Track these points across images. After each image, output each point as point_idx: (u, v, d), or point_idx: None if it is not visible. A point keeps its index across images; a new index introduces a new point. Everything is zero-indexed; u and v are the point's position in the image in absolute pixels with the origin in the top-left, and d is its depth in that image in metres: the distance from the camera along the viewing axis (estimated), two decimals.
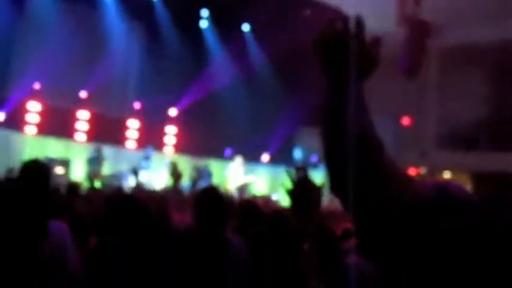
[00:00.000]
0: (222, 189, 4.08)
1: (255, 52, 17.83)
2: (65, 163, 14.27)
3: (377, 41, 1.31)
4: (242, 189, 15.27)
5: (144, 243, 3.20)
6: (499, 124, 15.65)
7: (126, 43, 16.11)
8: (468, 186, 13.39)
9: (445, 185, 1.21)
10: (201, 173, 15.34)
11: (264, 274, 3.12)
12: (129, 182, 12.24)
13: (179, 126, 17.39)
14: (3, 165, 11.49)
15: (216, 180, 15.24)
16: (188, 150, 16.95)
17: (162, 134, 17.31)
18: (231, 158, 16.53)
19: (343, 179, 1.20)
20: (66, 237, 3.30)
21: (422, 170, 16.71)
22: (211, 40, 17.51)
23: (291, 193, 2.36)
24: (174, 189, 5.51)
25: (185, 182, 14.09)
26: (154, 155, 15.42)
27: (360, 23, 1.26)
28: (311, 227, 2.32)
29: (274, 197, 14.57)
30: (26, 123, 14.50)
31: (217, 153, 17.37)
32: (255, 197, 13.75)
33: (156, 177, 14.46)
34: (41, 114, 14.64)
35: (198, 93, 16.76)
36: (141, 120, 16.60)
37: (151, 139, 16.09)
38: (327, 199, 3.16)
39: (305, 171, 2.39)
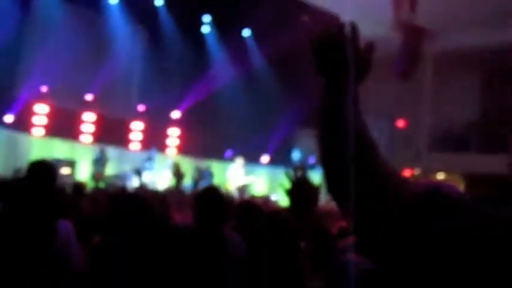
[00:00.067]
0: (222, 189, 4.07)
1: (255, 56, 17.85)
2: (71, 164, 14.26)
3: (371, 46, 1.31)
4: (242, 189, 15.27)
5: (145, 241, 3.19)
6: (491, 126, 15.64)
7: (130, 47, 16.11)
8: (461, 187, 13.39)
9: (439, 185, 1.20)
10: (203, 174, 15.34)
11: (262, 272, 3.11)
12: (133, 182, 12.24)
13: (182, 128, 17.39)
14: (11, 165, 11.50)
15: (217, 180, 15.23)
16: (190, 152, 16.95)
17: (165, 135, 17.31)
18: (231, 159, 16.53)
19: (340, 180, 1.19)
20: (72, 236, 3.30)
21: (417, 171, 16.71)
22: (213, 44, 17.53)
23: (290, 193, 2.36)
24: (176, 190, 5.52)
25: (187, 182, 14.10)
26: (158, 156, 15.42)
27: (354, 28, 1.26)
28: (308, 226, 2.31)
29: (273, 197, 14.57)
30: (33, 125, 14.50)
31: (218, 154, 17.37)
32: (254, 197, 13.76)
33: (159, 177, 14.47)
34: (48, 116, 14.64)
35: (199, 95, 16.77)
36: (144, 122, 16.60)
37: (154, 141, 16.09)
38: (324, 199, 3.16)
39: (303, 172, 2.39)
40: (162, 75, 15.78)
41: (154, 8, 16.16)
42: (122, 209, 3.35)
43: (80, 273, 3.22)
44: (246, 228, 3.79)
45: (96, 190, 8.39)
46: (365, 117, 1.28)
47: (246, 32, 17.72)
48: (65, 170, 13.52)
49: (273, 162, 17.96)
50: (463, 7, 14.01)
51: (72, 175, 13.71)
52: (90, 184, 11.81)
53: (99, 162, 14.17)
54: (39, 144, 14.43)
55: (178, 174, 12.29)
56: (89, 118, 15.52)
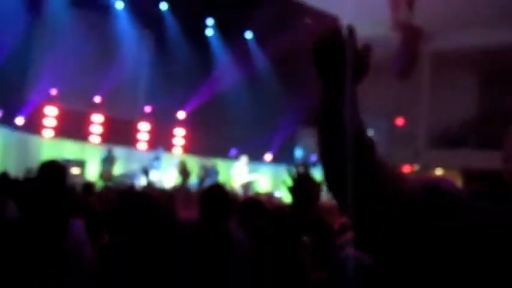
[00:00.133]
0: (227, 186, 4.06)
1: (258, 57, 17.84)
2: (81, 164, 14.27)
3: (368, 48, 1.31)
4: (246, 186, 15.25)
5: (152, 238, 3.19)
6: (487, 124, 15.60)
7: (137, 50, 16.11)
8: (458, 182, 13.37)
9: (437, 181, 1.19)
10: (208, 172, 15.33)
11: (266, 267, 3.11)
12: (141, 181, 12.25)
13: (187, 128, 17.40)
14: (22, 166, 11.52)
15: (222, 178, 15.22)
16: (196, 151, 16.95)
17: (171, 135, 17.32)
18: (236, 158, 16.52)
19: (339, 179, 1.19)
20: (83, 235, 3.30)
21: (416, 168, 16.69)
22: (217, 47, 17.52)
23: (292, 190, 2.36)
24: (183, 187, 5.51)
25: (193, 180, 14.09)
26: (164, 156, 15.43)
27: (351, 30, 1.26)
28: (311, 222, 2.31)
29: (276, 194, 14.55)
30: (43, 126, 14.54)
31: (223, 153, 17.37)
32: (258, 194, 13.75)
33: (165, 176, 14.47)
34: (58, 118, 14.67)
35: (204, 96, 16.77)
36: (151, 122, 16.61)
37: (161, 140, 16.10)
38: (326, 195, 3.15)
39: (305, 169, 2.39)
40: (168, 77, 15.79)
41: (160, 12, 16.17)
42: (130, 206, 3.35)
43: (90, 271, 3.22)
44: (250, 224, 3.78)
45: (105, 189, 8.39)
46: (364, 116, 1.28)
47: (249, 35, 17.71)
48: (75, 170, 13.54)
49: (276, 160, 17.96)
50: (461, 8, 13.98)
51: (82, 175, 13.72)
52: (99, 183, 11.83)
53: (107, 162, 14.20)
54: (49, 145, 14.46)
55: (184, 172, 12.24)
56: (97, 119, 15.55)
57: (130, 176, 13.68)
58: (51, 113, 14.62)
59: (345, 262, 2.07)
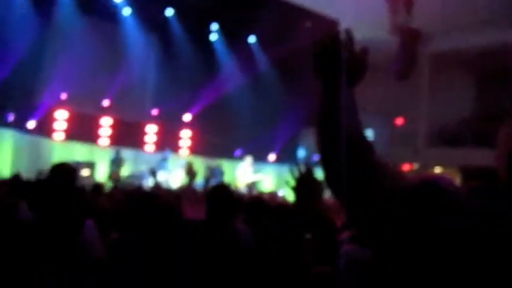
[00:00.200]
0: (232, 186, 4.07)
1: (261, 61, 17.84)
2: (90, 165, 14.29)
3: (366, 51, 1.31)
4: (251, 186, 15.26)
5: (159, 237, 3.20)
6: (485, 122, 15.55)
7: (144, 54, 16.15)
8: (457, 180, 13.33)
9: (437, 178, 1.19)
10: (214, 172, 15.34)
11: (270, 262, 3.10)
12: (149, 182, 12.26)
13: (193, 129, 17.41)
14: (34, 168, 11.54)
15: (227, 178, 15.23)
16: (202, 152, 16.97)
17: (178, 137, 17.33)
18: (241, 158, 16.52)
19: (338, 178, 1.19)
20: (95, 235, 3.30)
21: (415, 166, 16.65)
22: (221, 51, 17.53)
23: (295, 189, 2.36)
24: (189, 187, 5.52)
25: (199, 180, 14.10)
26: (171, 157, 15.44)
27: (349, 34, 1.26)
28: (313, 219, 2.30)
29: (280, 193, 14.55)
30: (54, 130, 14.57)
31: (228, 153, 17.39)
32: (262, 193, 13.75)
33: (172, 176, 14.48)
34: (68, 121, 14.71)
35: (209, 99, 16.78)
36: (158, 125, 16.63)
37: (168, 142, 16.12)
38: (329, 194, 3.15)
39: (307, 168, 2.38)
40: (174, 80, 15.81)
41: (166, 18, 16.19)
42: (138, 206, 3.36)
43: (101, 269, 3.22)
44: (254, 222, 3.79)
45: (114, 189, 8.40)
46: (365, 116, 1.28)
47: (252, 39, 17.71)
48: (85, 172, 13.56)
49: (280, 160, 17.96)
50: (459, 10, 13.94)
51: (91, 176, 13.74)
52: (108, 184, 11.84)
53: (115, 163, 14.23)
54: (60, 148, 14.49)
55: (190, 173, 12.27)
56: (106, 122, 15.58)
57: (138, 176, 13.69)
58: (61, 117, 14.65)
59: (345, 257, 2.08)
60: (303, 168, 2.36)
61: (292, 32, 14.85)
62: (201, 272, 3.06)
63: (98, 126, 15.48)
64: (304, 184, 2.31)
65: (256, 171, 16.00)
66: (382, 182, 1.17)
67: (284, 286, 3.03)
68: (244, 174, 15.58)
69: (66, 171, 3.41)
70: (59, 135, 14.62)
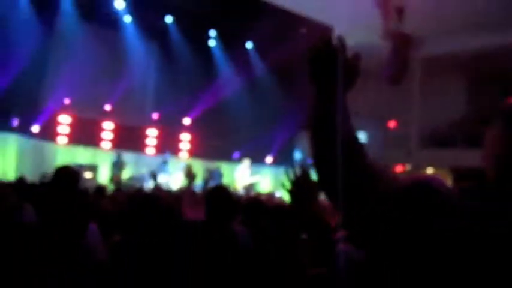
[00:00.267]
0: (230, 188, 4.06)
1: (258, 66, 17.85)
2: (93, 168, 14.27)
3: (358, 56, 1.31)
4: (249, 188, 15.24)
5: (160, 237, 3.19)
6: (475, 124, 15.58)
7: (144, 60, 16.15)
8: (448, 180, 13.33)
9: (429, 179, 1.19)
10: (213, 174, 15.32)
11: (267, 262, 3.10)
12: (149, 184, 12.24)
13: (192, 133, 17.40)
14: (38, 171, 11.52)
15: (226, 180, 15.22)
16: (201, 155, 16.96)
17: (178, 140, 17.32)
18: (239, 160, 16.51)
19: (331, 181, 1.18)
20: (98, 238, 3.29)
21: (408, 167, 16.66)
22: (219, 56, 17.54)
23: (290, 191, 2.35)
24: (189, 189, 5.50)
25: (198, 182, 14.07)
26: (171, 160, 15.43)
27: (341, 41, 1.26)
28: (309, 219, 2.30)
29: (277, 194, 14.53)
30: (57, 134, 14.55)
31: (227, 156, 17.38)
32: (259, 194, 13.72)
33: (173, 179, 14.46)
34: (71, 125, 14.70)
35: (208, 103, 16.79)
36: (158, 128, 16.63)
37: (168, 145, 16.10)
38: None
39: (303, 170, 2.38)
40: (174, 85, 15.81)
41: (165, 25, 16.19)
42: (139, 208, 3.35)
43: (103, 271, 3.21)
44: (252, 222, 3.78)
45: (115, 191, 8.38)
46: (359, 119, 1.28)
47: (249, 45, 17.72)
48: (87, 175, 13.55)
49: (277, 162, 17.96)
50: (450, 14, 13.97)
51: (94, 179, 13.72)
52: (109, 186, 11.82)
53: (117, 166, 14.21)
54: (63, 152, 14.48)
55: (190, 175, 12.24)
56: (108, 126, 15.57)
57: (139, 179, 13.67)
58: (64, 121, 14.64)
59: (339, 257, 2.07)
60: (298, 171, 2.36)
61: (288, 38, 14.86)
62: (200, 272, 3.05)
63: (100, 130, 15.47)
64: (300, 186, 2.31)
65: (253, 173, 15.98)
66: (375, 184, 1.17)
67: (281, 286, 3.02)
68: (242, 176, 15.56)
69: (69, 174, 3.41)
70: (62, 139, 14.61)
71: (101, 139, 15.47)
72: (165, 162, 14.88)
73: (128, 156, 14.82)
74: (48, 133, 14.20)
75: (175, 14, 15.82)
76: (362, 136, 16.06)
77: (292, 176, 2.33)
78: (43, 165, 12.56)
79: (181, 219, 3.77)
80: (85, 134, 14.80)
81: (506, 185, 1.18)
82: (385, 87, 15.83)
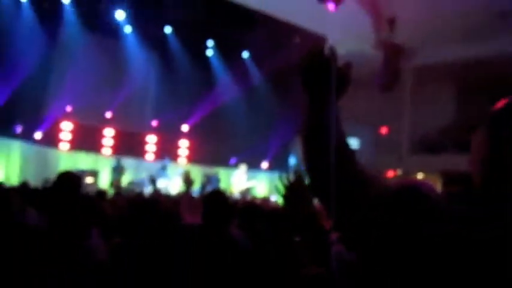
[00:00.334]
0: (227, 192, 4.06)
1: (254, 74, 17.87)
2: (94, 173, 14.26)
3: (349, 65, 1.31)
4: (245, 192, 15.23)
5: (159, 241, 3.18)
6: (464, 131, 15.62)
7: (144, 69, 16.15)
8: (438, 185, 13.36)
9: (418, 184, 1.19)
10: (210, 179, 15.32)
11: (263, 265, 3.09)
12: (149, 189, 12.22)
13: (191, 139, 17.40)
14: (41, 176, 11.49)
15: (223, 185, 15.22)
16: (199, 160, 16.96)
17: (176, 146, 17.32)
18: (235, 166, 16.50)
19: (323, 187, 1.18)
20: (99, 241, 3.28)
21: (399, 172, 16.68)
22: (216, 65, 17.55)
23: (284, 196, 2.34)
24: (187, 194, 5.49)
25: (196, 187, 14.05)
26: (170, 165, 15.41)
27: (333, 51, 1.27)
28: (302, 222, 2.30)
29: (272, 199, 14.53)
30: (60, 140, 14.55)
31: (224, 162, 17.37)
32: (255, 199, 13.71)
33: (171, 184, 14.44)
34: (73, 132, 14.69)
35: (206, 110, 16.80)
36: (158, 135, 16.62)
37: (167, 151, 16.10)
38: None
39: (297, 176, 2.37)
40: (173, 93, 15.82)
41: (164, 35, 16.21)
42: (139, 212, 3.35)
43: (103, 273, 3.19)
44: (248, 226, 3.78)
45: (116, 195, 8.36)
46: (351, 126, 1.28)
47: (245, 54, 17.75)
48: (89, 180, 13.53)
49: (272, 167, 17.95)
50: (440, 26, 14.02)
51: (95, 183, 13.70)
52: (110, 191, 11.80)
53: (117, 171, 14.21)
54: (65, 157, 14.46)
55: (188, 181, 12.23)
56: (108, 133, 15.56)
57: (139, 184, 13.65)
58: (67, 128, 14.64)
59: (333, 258, 2.07)
60: (292, 176, 2.35)
61: (283, 47, 14.91)
62: (199, 275, 3.04)
63: (101, 136, 15.46)
64: (294, 191, 2.30)
65: (250, 178, 15.98)
66: (366, 190, 1.16)
67: (281, 287, 3.02)
68: (239, 181, 15.56)
69: (71, 179, 3.40)
70: (64, 146, 14.59)
71: (102, 145, 15.46)
72: (164, 168, 14.88)
73: (128, 162, 14.81)
74: (51, 140, 14.19)
75: (174, 25, 15.84)
76: (354, 142, 16.09)
77: (286, 181, 2.33)
78: (46, 170, 12.53)
79: (180, 223, 3.76)
80: (86, 141, 14.80)
81: (492, 189, 1.18)
82: (377, 95, 15.86)
